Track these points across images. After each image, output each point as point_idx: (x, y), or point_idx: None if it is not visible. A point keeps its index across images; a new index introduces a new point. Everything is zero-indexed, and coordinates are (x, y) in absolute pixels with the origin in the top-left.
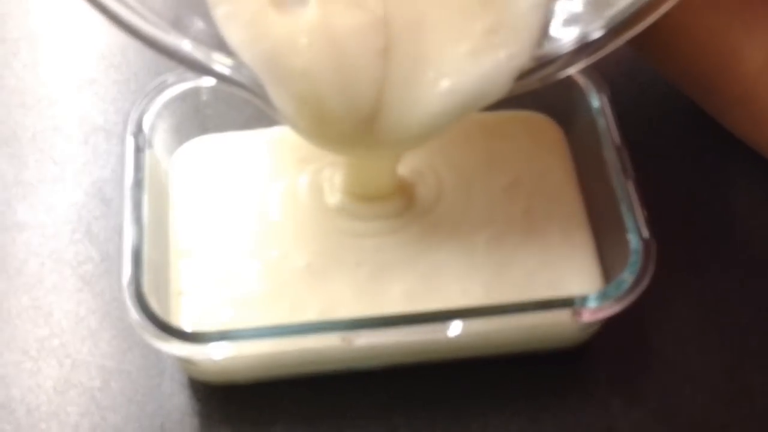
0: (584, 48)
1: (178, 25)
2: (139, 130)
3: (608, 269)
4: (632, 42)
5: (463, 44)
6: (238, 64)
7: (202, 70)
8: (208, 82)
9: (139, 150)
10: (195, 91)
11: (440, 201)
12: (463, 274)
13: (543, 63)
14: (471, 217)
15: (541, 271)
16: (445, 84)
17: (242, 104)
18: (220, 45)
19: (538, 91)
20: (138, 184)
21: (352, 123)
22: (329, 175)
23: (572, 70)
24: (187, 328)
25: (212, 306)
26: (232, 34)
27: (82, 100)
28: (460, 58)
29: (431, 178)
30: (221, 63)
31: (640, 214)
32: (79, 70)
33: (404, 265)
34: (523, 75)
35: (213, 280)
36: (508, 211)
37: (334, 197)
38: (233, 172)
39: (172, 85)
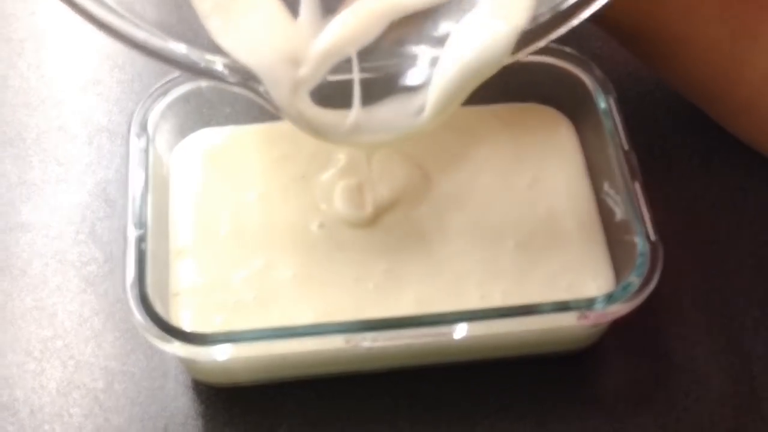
0: (573, 6)
1: (167, 30)
2: (143, 131)
3: (617, 271)
4: (637, 51)
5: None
6: (233, 64)
7: (197, 70)
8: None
9: (143, 151)
10: (198, 92)
11: (462, 200)
12: (485, 279)
13: (543, 23)
14: (499, 219)
15: (561, 275)
16: (446, 60)
17: (246, 103)
18: (212, 46)
19: (549, 88)
20: (142, 185)
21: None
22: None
23: (572, 25)
24: (186, 330)
25: (207, 308)
26: (227, 42)
27: (86, 100)
28: (459, 34)
29: (453, 173)
30: (214, 63)
31: (647, 217)
32: (84, 71)
33: (419, 271)
34: (525, 37)
35: (207, 282)
36: (534, 211)
37: (343, 202)
38: (231, 168)
39: (176, 85)
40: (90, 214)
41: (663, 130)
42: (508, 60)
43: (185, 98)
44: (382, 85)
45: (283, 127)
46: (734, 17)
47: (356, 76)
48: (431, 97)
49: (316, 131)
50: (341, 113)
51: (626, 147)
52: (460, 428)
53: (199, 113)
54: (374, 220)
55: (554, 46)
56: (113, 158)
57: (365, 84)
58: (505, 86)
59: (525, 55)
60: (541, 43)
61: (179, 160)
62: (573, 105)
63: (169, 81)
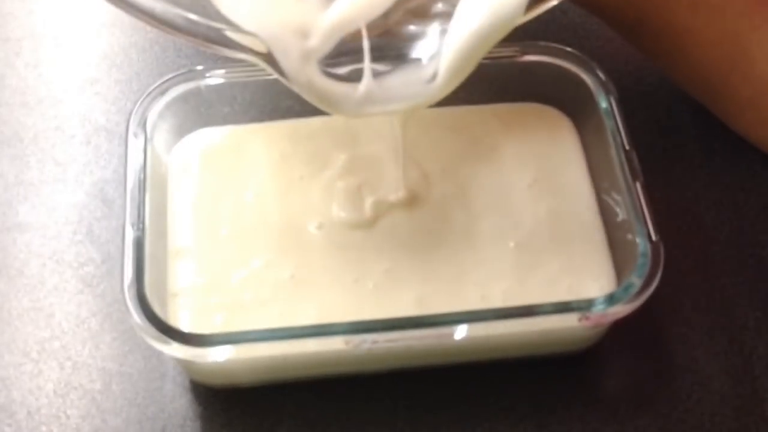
0: None
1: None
2: (141, 131)
3: (618, 271)
4: (642, 46)
5: None
6: (242, 33)
7: (205, 38)
8: (210, 81)
9: (141, 150)
10: (197, 91)
11: (463, 200)
12: (485, 280)
13: None
14: (500, 219)
15: (562, 275)
16: (458, 23)
17: (245, 103)
18: (220, 18)
19: (550, 88)
20: (140, 185)
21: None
22: (336, 180)
23: None
24: (184, 331)
25: (205, 309)
26: (235, 13)
27: (84, 99)
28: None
29: (454, 173)
30: (223, 31)
31: (648, 217)
32: (82, 70)
33: (419, 271)
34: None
35: (205, 283)
36: (535, 211)
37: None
38: (230, 168)
39: (174, 84)
40: (87, 215)
41: (664, 130)
42: (521, 20)
43: (184, 98)
44: (393, 58)
45: (282, 127)
46: (740, 13)
47: (366, 46)
48: (444, 63)
49: (328, 102)
50: (352, 85)
51: (627, 147)
52: (460, 430)
53: (198, 113)
54: (374, 221)
55: (556, 45)
56: (111, 158)
57: (376, 56)
58: (505, 86)
59: (537, 14)
60: (554, 2)
61: (178, 160)
62: (574, 105)
63: (167, 80)
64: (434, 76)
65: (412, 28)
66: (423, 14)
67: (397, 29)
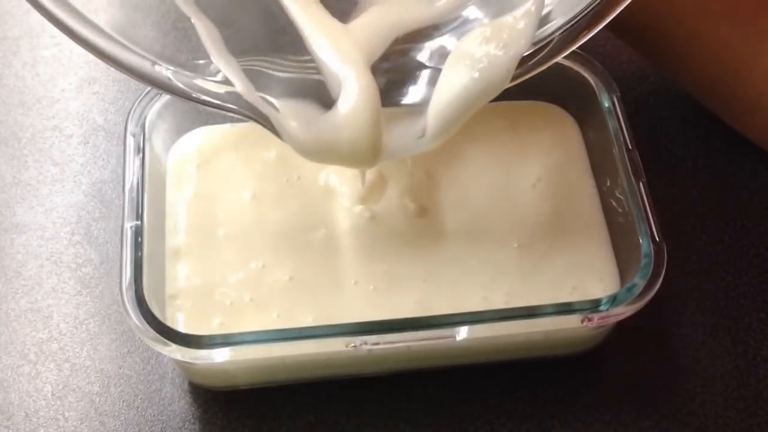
0: (572, 32)
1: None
2: (139, 130)
3: (622, 272)
4: (647, 52)
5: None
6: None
7: (191, 97)
8: None
9: (139, 150)
10: None
11: (465, 200)
12: (488, 281)
13: (539, 48)
14: (503, 219)
15: (565, 276)
16: (444, 86)
17: None
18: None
19: (553, 86)
20: (138, 185)
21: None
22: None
23: (567, 51)
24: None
25: (204, 310)
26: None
27: (82, 99)
28: (458, 58)
29: (456, 172)
30: (213, 86)
31: (651, 218)
32: (80, 69)
33: (420, 272)
34: (523, 62)
35: (204, 284)
36: (539, 211)
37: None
38: (229, 167)
39: None
40: (86, 215)
41: (667, 129)
42: (508, 85)
43: None
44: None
45: None
46: (745, 18)
47: None
48: (431, 123)
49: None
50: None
51: (630, 146)
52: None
53: (197, 112)
54: (374, 222)
55: None
56: (109, 158)
57: None
58: None
59: (524, 79)
60: (541, 69)
61: (176, 160)
62: (577, 103)
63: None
64: (423, 132)
65: (403, 70)
66: (414, 59)
67: (390, 71)
